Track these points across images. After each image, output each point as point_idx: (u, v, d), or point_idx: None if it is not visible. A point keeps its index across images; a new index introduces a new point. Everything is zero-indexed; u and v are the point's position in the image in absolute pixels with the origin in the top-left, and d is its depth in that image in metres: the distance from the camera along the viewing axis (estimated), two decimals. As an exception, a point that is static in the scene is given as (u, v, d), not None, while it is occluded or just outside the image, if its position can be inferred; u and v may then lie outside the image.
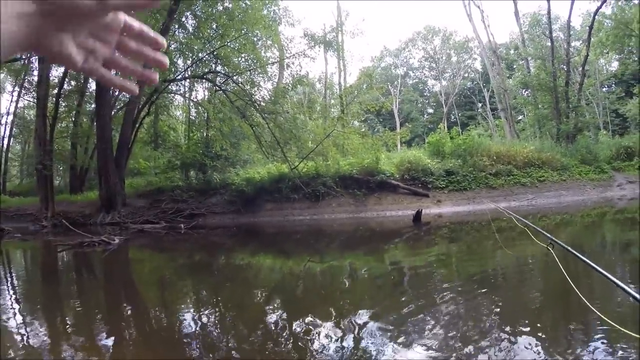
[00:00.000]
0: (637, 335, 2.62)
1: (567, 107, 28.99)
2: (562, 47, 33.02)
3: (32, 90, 29.55)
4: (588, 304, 2.95)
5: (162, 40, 0.71)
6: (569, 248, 3.17)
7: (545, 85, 30.66)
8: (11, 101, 34.02)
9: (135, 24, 0.67)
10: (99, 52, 0.66)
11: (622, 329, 2.58)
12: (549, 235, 3.64)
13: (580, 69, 31.61)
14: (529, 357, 3.91)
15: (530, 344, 4.17)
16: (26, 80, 30.36)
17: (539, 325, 4.77)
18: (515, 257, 8.31)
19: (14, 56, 0.61)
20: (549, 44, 31.19)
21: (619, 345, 3.95)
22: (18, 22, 0.56)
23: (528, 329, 4.62)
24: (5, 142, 35.68)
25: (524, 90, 41.67)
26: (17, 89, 32.76)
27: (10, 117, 34.68)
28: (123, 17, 0.66)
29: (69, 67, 0.63)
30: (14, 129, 36.39)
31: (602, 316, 2.97)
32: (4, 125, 34.75)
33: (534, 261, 8.03)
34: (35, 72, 26.34)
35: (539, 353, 3.97)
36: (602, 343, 4.08)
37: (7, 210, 22.76)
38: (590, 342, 4.19)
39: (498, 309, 5.57)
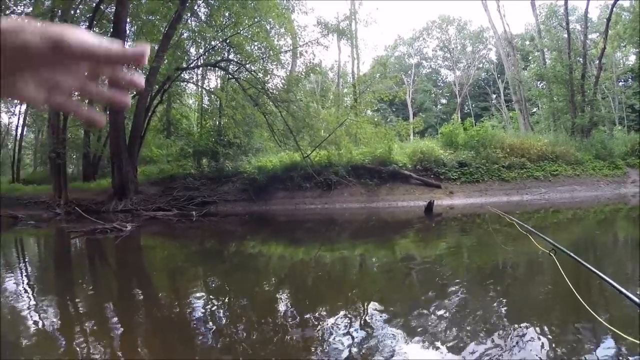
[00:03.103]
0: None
1: (583, 100, 28.67)
2: (578, 39, 32.61)
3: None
4: (591, 310, 2.91)
5: (137, 52, 0.63)
6: (572, 254, 3.12)
7: (560, 77, 30.32)
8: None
9: (101, 49, 0.60)
10: (65, 85, 0.62)
11: (627, 337, 2.54)
12: (551, 241, 3.59)
13: (597, 62, 31.22)
14: (534, 356, 3.87)
15: (535, 344, 4.13)
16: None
17: (544, 325, 4.72)
18: (524, 251, 8.24)
19: None
20: (566, 35, 30.78)
21: (622, 348, 3.90)
22: None
23: (534, 328, 4.57)
24: (19, 131, 36.03)
25: (539, 82, 41.27)
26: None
27: (24, 107, 34.94)
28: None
29: (32, 104, 0.61)
30: (28, 118, 36.63)
31: (603, 322, 2.94)
32: (17, 115, 35.07)
33: (543, 259, 7.95)
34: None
35: (543, 353, 3.93)
36: (606, 345, 4.04)
37: (21, 198, 23.00)
38: (595, 344, 4.15)
39: (505, 307, 5.53)
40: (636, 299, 2.12)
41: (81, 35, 0.58)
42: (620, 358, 3.80)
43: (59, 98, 0.62)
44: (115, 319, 5.57)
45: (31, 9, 22.95)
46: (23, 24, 0.55)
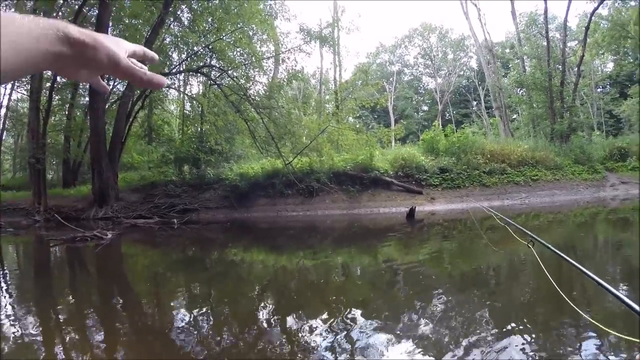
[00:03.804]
0: (616, 334, 2.61)
1: (562, 107, 29.02)
2: (558, 47, 32.98)
3: (25, 83, 29.31)
4: (573, 304, 2.93)
5: (161, 81, 0.84)
6: (549, 245, 3.15)
7: (540, 84, 30.68)
8: (4, 94, 33.80)
9: (139, 73, 0.79)
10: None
11: (609, 330, 2.58)
12: (529, 232, 3.62)
13: (576, 69, 31.64)
14: (520, 356, 3.90)
15: (520, 343, 4.16)
16: (19, 73, 30.04)
17: (529, 324, 4.76)
18: (506, 254, 8.32)
19: (24, 75, 0.71)
20: (545, 43, 31.18)
21: (607, 342, 3.95)
22: (51, 52, 0.65)
23: (519, 327, 4.61)
24: (-2, 135, 35.54)
25: (519, 89, 41.65)
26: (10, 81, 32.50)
27: (3, 110, 34.46)
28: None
29: (113, 63, 0.74)
30: (7, 122, 36.16)
31: (587, 317, 2.97)
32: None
33: (525, 259, 8.02)
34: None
35: (529, 352, 3.96)
36: (590, 340, 4.10)
37: (0, 204, 22.62)
38: (579, 340, 4.20)
39: (489, 307, 5.58)
40: (611, 288, 2.15)
41: (128, 64, 0.76)
42: (589, 340, 3.88)
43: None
44: (96, 327, 5.52)
45: (13, 10, 22.71)
46: (98, 43, 0.70)
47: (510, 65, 45.84)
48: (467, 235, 13.03)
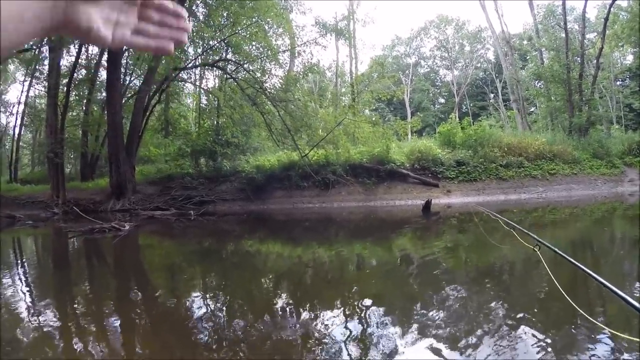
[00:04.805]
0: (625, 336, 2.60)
1: (580, 100, 28.70)
2: (576, 39, 32.53)
3: (43, 80, 29.67)
4: (577, 307, 2.93)
5: (183, 11, 0.75)
6: (556, 249, 3.14)
7: (558, 77, 30.32)
8: (22, 91, 34.27)
9: None
10: (125, 23, 0.67)
11: (614, 331, 2.58)
12: (535, 236, 3.61)
13: (595, 61, 31.19)
14: (533, 354, 3.88)
15: (533, 342, 4.13)
16: (37, 70, 30.43)
17: (543, 322, 4.73)
18: (519, 251, 8.27)
19: (39, 39, 0.63)
20: (563, 35, 30.80)
21: (611, 343, 3.92)
22: (43, 3, 0.58)
23: (532, 325, 4.58)
24: (17, 131, 36.04)
25: (536, 81, 41.23)
26: (28, 78, 32.93)
27: (22, 107, 34.98)
28: None
29: (100, 43, 0.65)
30: (25, 118, 36.64)
31: (589, 317, 2.97)
32: (15, 115, 35.08)
33: (536, 256, 7.94)
34: (46, 62, 26.45)
35: (542, 352, 3.94)
36: (594, 340, 4.06)
37: (19, 198, 22.92)
38: (582, 340, 4.17)
39: (503, 304, 5.54)
40: (619, 291, 2.14)
41: (98, 34, 0.64)
42: (593, 344, 3.86)
43: (123, 34, 0.68)
44: (114, 318, 5.58)
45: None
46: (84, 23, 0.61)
47: (528, 57, 45.28)
48: (482, 229, 12.93)
